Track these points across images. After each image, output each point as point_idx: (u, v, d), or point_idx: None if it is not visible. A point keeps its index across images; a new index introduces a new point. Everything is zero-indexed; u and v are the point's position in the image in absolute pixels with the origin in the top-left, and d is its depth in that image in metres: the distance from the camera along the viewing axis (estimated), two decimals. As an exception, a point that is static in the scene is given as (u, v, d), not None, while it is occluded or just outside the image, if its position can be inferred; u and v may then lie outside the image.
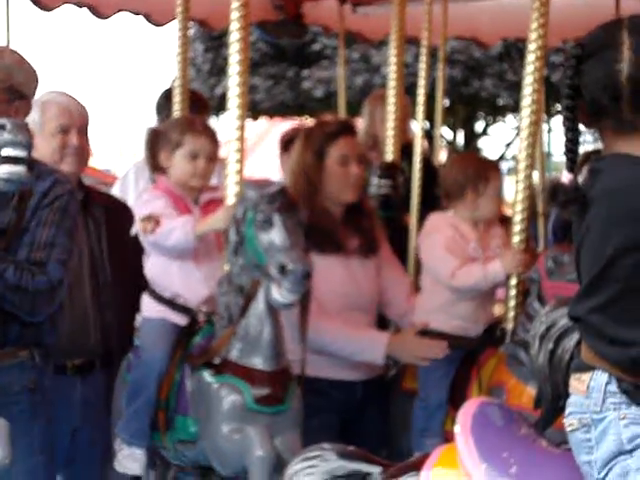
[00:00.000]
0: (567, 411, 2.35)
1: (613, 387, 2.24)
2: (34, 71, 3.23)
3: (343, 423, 3.83)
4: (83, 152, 3.80)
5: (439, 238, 3.77)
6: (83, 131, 3.79)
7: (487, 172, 3.83)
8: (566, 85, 2.30)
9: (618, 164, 2.26)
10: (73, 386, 3.70)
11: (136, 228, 3.62)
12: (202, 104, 5.09)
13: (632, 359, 2.20)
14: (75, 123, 3.75)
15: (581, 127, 2.34)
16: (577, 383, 2.32)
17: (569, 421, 2.33)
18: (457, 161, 4.00)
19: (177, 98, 4.40)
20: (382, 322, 4.10)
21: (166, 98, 5.06)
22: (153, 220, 3.50)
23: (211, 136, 3.67)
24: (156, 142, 3.69)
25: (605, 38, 2.28)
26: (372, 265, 3.90)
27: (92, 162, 4.64)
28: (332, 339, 3.68)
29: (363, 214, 3.88)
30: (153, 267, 3.63)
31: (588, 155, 2.39)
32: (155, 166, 3.73)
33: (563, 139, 2.34)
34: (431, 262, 3.83)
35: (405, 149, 5.17)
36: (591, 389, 2.27)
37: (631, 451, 2.23)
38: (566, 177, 2.32)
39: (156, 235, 3.49)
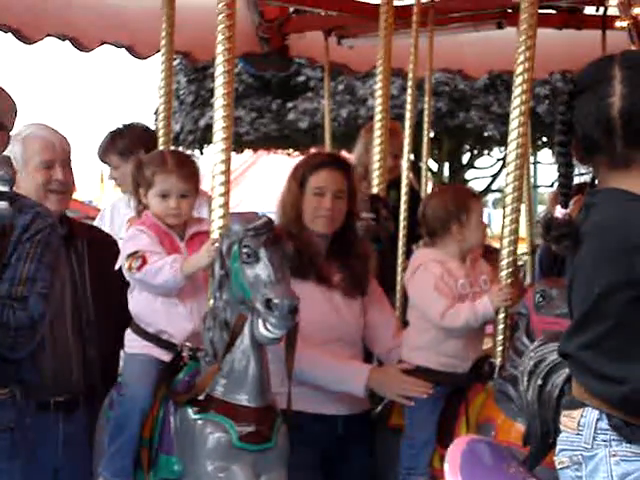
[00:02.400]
0: (558, 448, 2.33)
1: (604, 424, 2.23)
2: (13, 102, 3.20)
3: (326, 460, 3.77)
4: (67, 187, 3.77)
5: (428, 277, 3.73)
6: (66, 164, 3.77)
7: (467, 202, 3.81)
8: (559, 121, 2.30)
9: (611, 199, 2.25)
10: (55, 424, 3.64)
11: (120, 263, 3.58)
12: (146, 139, 4.92)
13: (623, 396, 2.18)
14: (58, 157, 3.73)
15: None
16: (567, 420, 2.30)
17: (560, 459, 2.31)
18: (435, 197, 3.97)
19: (161, 132, 4.36)
20: (366, 357, 4.06)
21: (112, 139, 5.00)
22: (139, 257, 3.47)
23: (184, 174, 3.60)
24: (137, 176, 3.67)
25: (597, 73, 2.27)
26: (357, 302, 3.88)
27: (75, 194, 4.60)
28: (312, 367, 3.63)
29: (352, 254, 3.85)
30: (137, 302, 3.58)
31: (580, 187, 2.38)
32: (139, 199, 3.70)
33: (556, 174, 2.33)
34: (420, 302, 3.79)
35: (394, 181, 5.18)
36: (582, 426, 2.26)
37: (622, 488, 2.20)
38: (559, 212, 2.31)
39: (142, 272, 3.45)
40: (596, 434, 2.23)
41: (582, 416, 2.25)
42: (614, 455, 2.21)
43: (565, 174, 2.32)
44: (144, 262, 3.46)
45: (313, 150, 13.97)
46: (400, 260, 4.93)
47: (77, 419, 3.68)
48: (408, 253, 5.01)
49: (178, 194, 3.58)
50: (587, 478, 2.24)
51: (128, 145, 4.86)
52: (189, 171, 3.64)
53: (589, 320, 2.21)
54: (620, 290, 2.16)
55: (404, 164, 5.33)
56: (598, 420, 2.23)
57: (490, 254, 4.15)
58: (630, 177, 2.25)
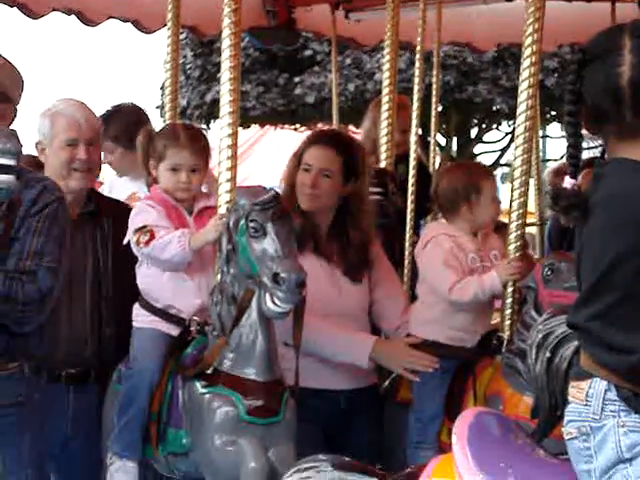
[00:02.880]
0: (565, 419, 2.33)
1: (612, 394, 2.23)
2: (20, 76, 3.20)
3: (329, 434, 3.75)
4: (92, 166, 3.75)
5: (438, 251, 3.70)
6: (93, 143, 3.74)
7: (478, 181, 3.77)
8: (568, 91, 2.28)
9: (620, 170, 2.24)
10: (66, 396, 3.66)
11: (129, 238, 3.57)
12: (137, 118, 4.83)
13: (632, 366, 2.18)
14: (83, 136, 3.71)
15: (583, 132, 2.32)
16: (576, 391, 2.30)
17: (567, 430, 2.32)
18: (446, 175, 3.92)
19: (168, 106, 4.34)
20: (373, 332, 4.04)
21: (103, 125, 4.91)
22: (147, 231, 3.46)
23: (195, 148, 3.59)
24: (147, 147, 3.66)
25: (606, 42, 2.26)
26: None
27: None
28: (315, 336, 3.59)
29: (348, 242, 3.81)
30: (145, 277, 3.58)
31: (590, 161, 2.38)
32: (149, 170, 3.70)
33: (565, 144, 2.32)
34: (429, 276, 3.77)
35: (402, 156, 5.17)
36: (590, 397, 2.26)
37: (630, 459, 2.22)
38: (568, 182, 2.29)
39: (150, 247, 3.45)
40: (604, 405, 2.23)
41: (590, 387, 2.26)
42: (622, 426, 2.21)
43: (574, 144, 2.31)
44: (152, 237, 3.45)
45: (320, 125, 13.94)
46: (408, 235, 4.92)
47: (88, 393, 3.70)
48: (416, 228, 5.00)
49: (189, 168, 3.57)
50: (595, 449, 2.24)
51: (119, 128, 4.82)
52: (200, 145, 3.63)
53: (598, 291, 2.21)
54: (628, 260, 2.15)
55: (412, 138, 5.31)
56: (606, 391, 2.23)
57: (499, 229, 4.14)
58: (639, 147, 2.24)
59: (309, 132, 5.56)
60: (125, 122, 4.81)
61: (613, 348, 2.20)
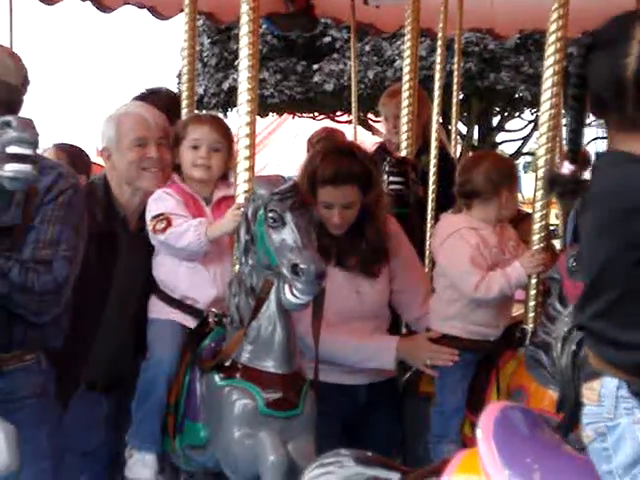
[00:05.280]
0: (583, 423, 2.31)
1: (624, 392, 2.21)
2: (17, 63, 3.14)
3: (347, 428, 3.74)
4: (163, 165, 3.66)
5: (463, 247, 3.61)
6: (163, 142, 3.66)
7: (512, 168, 3.84)
8: (573, 74, 2.23)
9: (613, 163, 2.20)
10: (101, 402, 3.66)
11: (147, 226, 3.53)
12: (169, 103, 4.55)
13: (638, 363, 2.13)
14: (152, 135, 3.63)
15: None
16: (589, 392, 2.27)
17: (586, 433, 2.30)
18: (484, 160, 3.81)
19: (184, 94, 4.28)
20: (394, 323, 4.00)
21: None
22: (164, 219, 3.43)
23: (216, 126, 3.58)
24: (174, 135, 3.65)
25: (616, 30, 2.21)
26: (377, 279, 3.80)
27: (97, 158, 4.51)
28: (339, 348, 3.61)
29: (363, 236, 3.74)
30: (161, 267, 3.56)
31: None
32: (172, 164, 3.66)
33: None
34: (452, 272, 3.67)
35: (425, 144, 5.10)
36: (603, 396, 2.23)
37: (651, 455, 2.16)
38: (566, 168, 2.24)
39: (166, 235, 3.42)
40: (618, 403, 2.20)
41: (602, 386, 2.22)
42: (638, 422, 2.17)
43: (575, 129, 2.26)
44: (168, 224, 3.43)
45: (330, 124, 13.76)
46: (429, 225, 4.86)
47: (122, 399, 3.66)
48: (437, 219, 4.93)
49: (209, 146, 3.54)
50: (613, 448, 2.21)
51: None
52: (222, 125, 3.62)
53: (598, 289, 2.18)
54: (623, 256, 2.12)
55: (433, 126, 5.23)
56: (618, 388, 2.20)
57: (522, 219, 4.07)
58: (636, 140, 2.19)
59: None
60: (157, 106, 4.72)
61: (617, 345, 2.17)
